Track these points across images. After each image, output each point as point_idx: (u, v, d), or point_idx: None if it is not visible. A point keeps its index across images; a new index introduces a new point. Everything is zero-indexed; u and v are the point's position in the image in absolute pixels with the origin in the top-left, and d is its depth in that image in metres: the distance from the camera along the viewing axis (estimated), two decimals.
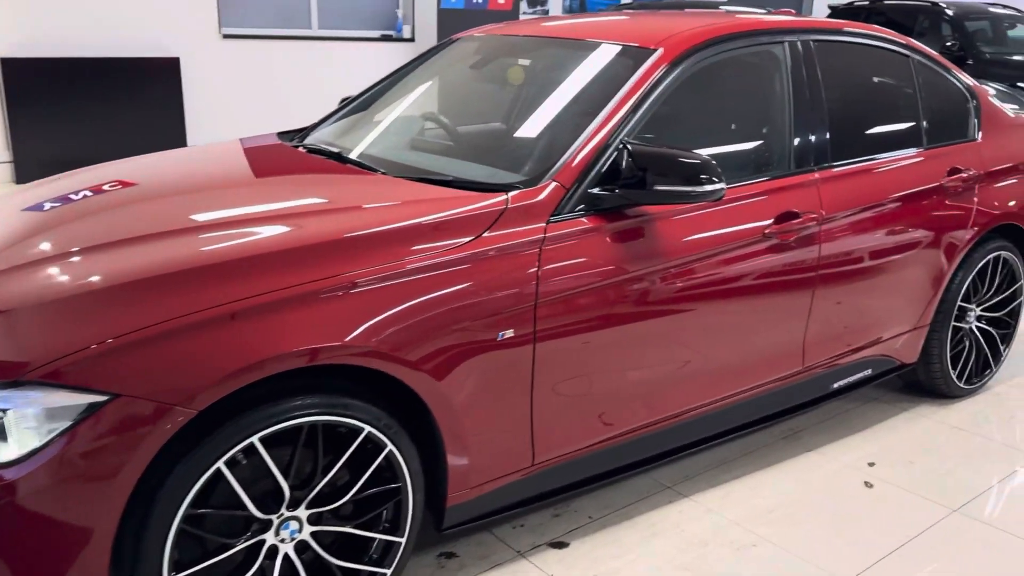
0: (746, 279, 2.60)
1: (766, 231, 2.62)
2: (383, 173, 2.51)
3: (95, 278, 1.89)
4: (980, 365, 3.59)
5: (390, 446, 2.02)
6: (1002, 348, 3.64)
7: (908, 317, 3.22)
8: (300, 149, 2.91)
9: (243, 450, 1.82)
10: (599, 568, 2.41)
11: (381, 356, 1.93)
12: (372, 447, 2.02)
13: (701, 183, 2.25)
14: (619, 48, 2.66)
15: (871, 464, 3.04)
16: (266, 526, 1.93)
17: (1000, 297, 3.57)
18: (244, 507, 1.87)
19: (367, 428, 1.97)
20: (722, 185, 2.28)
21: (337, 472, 1.99)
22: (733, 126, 2.88)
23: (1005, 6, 10.26)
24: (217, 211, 2.27)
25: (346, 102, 3.38)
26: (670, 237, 2.42)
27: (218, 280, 1.87)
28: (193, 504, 1.78)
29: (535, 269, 2.17)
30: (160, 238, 2.08)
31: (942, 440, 3.24)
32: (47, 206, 2.42)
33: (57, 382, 1.66)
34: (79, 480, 1.65)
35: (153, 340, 1.73)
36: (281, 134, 3.25)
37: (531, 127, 2.67)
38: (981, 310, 3.54)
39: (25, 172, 6.88)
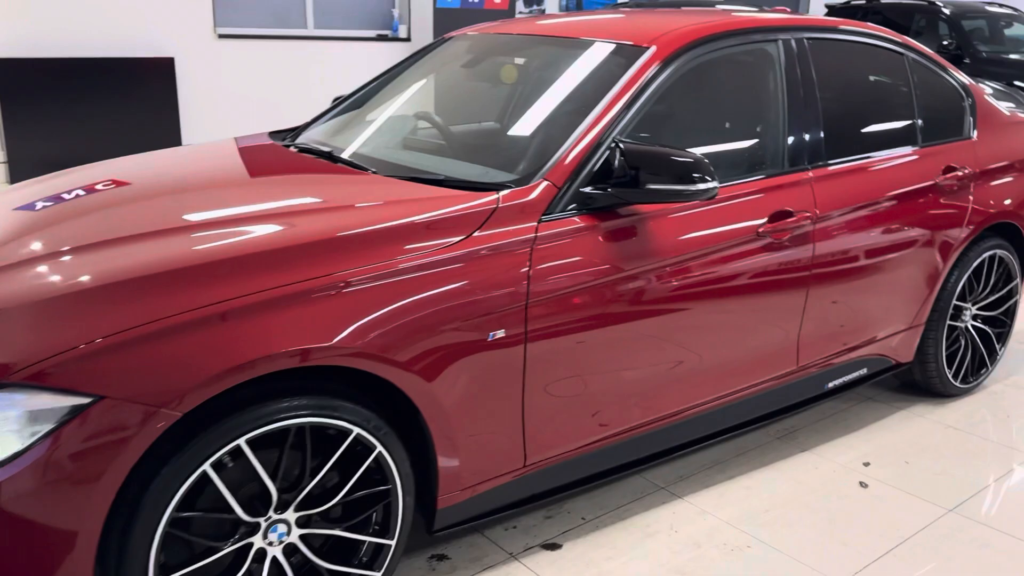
0: (739, 278, 2.58)
1: (759, 230, 2.60)
2: (374, 172, 2.50)
3: (82, 278, 1.87)
4: (976, 364, 3.58)
5: (379, 448, 2.00)
6: (998, 347, 3.62)
7: (903, 316, 3.20)
8: (291, 149, 2.89)
9: (230, 452, 1.81)
10: (592, 570, 2.39)
11: (370, 357, 1.91)
12: (361, 449, 2.00)
13: (693, 182, 2.24)
14: (612, 46, 2.64)
15: (866, 464, 3.03)
16: (254, 529, 1.91)
17: (996, 296, 3.56)
18: (231, 510, 1.86)
19: (356, 430, 1.95)
20: (714, 184, 2.27)
21: (326, 474, 1.97)
22: (727, 124, 2.87)
23: (1002, 5, 10.27)
24: (204, 211, 2.25)
25: (338, 101, 3.37)
26: (663, 236, 2.40)
27: (206, 280, 1.85)
28: (179, 507, 1.76)
29: (526, 269, 2.15)
30: (146, 238, 2.06)
31: (938, 440, 3.23)
32: (39, 205, 2.40)
33: (40, 384, 1.64)
34: (63, 483, 1.63)
35: (139, 341, 1.71)
36: (272, 133, 3.23)
37: (523, 126, 2.65)
38: (977, 309, 3.53)
39: (19, 173, 6.86)
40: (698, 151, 2.47)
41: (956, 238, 3.24)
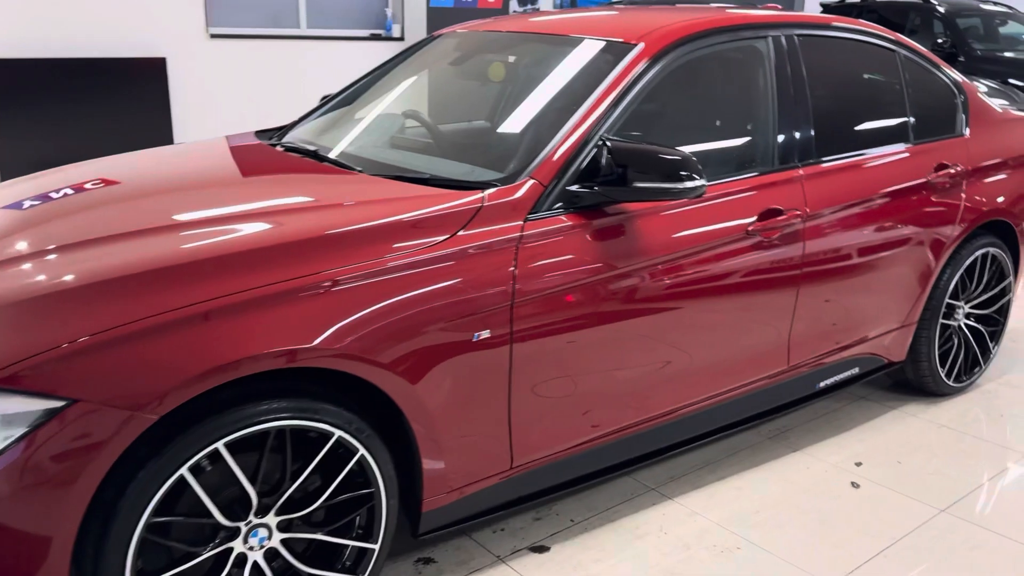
0: (728, 277, 2.55)
1: (749, 228, 2.58)
2: (359, 171, 2.47)
3: (64, 278, 1.84)
4: (969, 363, 3.56)
5: (362, 450, 1.98)
6: (991, 345, 3.60)
7: (895, 315, 3.18)
8: (278, 148, 2.86)
9: (208, 456, 1.78)
10: (580, 573, 2.36)
11: (352, 358, 1.88)
12: (344, 451, 1.97)
13: (681, 180, 2.21)
14: (600, 43, 2.62)
15: (858, 464, 3.00)
16: (234, 534, 1.88)
17: (989, 294, 3.54)
18: (210, 514, 1.83)
19: (338, 432, 1.92)
20: (702, 182, 2.24)
21: (307, 478, 1.94)
22: (716, 122, 2.84)
23: (997, 3, 10.25)
24: (189, 210, 2.21)
25: (326, 100, 3.34)
26: (650, 235, 2.37)
27: (189, 279, 1.82)
28: (157, 512, 1.73)
29: (512, 268, 2.13)
30: (130, 237, 2.03)
31: (931, 439, 3.21)
32: (27, 204, 2.37)
33: (13, 387, 1.60)
34: (36, 488, 1.60)
35: (118, 342, 1.68)
36: (259, 132, 3.20)
37: (510, 124, 2.62)
38: (970, 307, 3.50)
39: (11, 173, 6.81)
40: (687, 149, 2.45)
41: (948, 236, 3.21)
